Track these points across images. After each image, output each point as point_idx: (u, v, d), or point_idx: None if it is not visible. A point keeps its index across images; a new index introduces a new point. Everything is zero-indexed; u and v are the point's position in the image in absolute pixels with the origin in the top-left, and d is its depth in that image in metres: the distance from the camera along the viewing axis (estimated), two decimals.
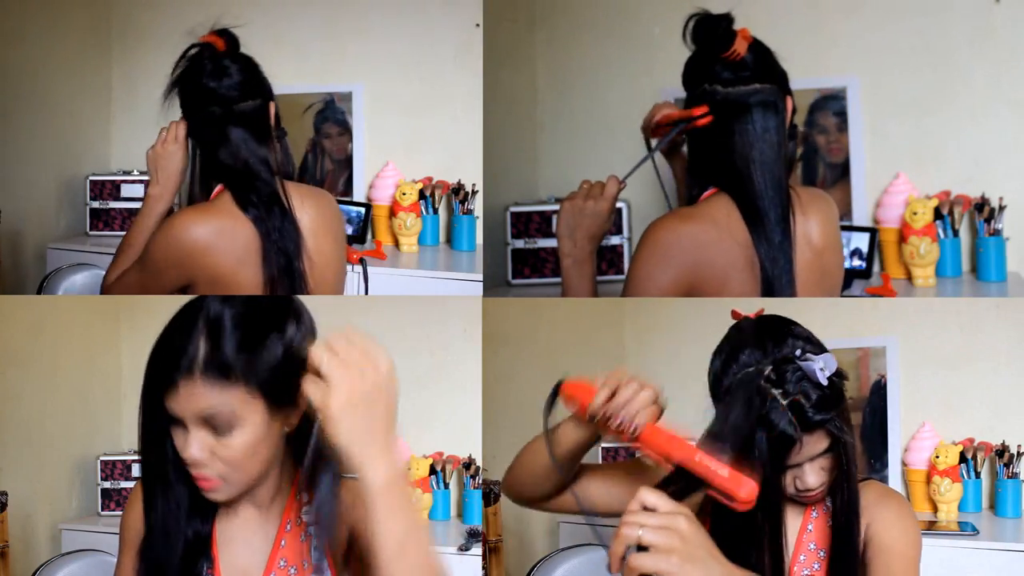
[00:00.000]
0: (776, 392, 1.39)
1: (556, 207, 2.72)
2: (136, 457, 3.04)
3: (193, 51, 1.84)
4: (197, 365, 1.27)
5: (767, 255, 1.69)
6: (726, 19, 1.74)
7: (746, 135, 1.72)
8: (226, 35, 1.86)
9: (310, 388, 1.15)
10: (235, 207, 1.81)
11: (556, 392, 1.49)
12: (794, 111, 1.78)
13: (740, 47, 1.72)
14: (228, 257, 1.79)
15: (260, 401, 1.30)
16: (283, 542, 1.42)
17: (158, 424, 1.32)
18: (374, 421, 1.14)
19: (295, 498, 1.43)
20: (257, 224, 1.80)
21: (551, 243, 2.68)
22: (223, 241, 1.78)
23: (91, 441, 3.08)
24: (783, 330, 1.47)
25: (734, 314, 1.52)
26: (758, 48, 1.76)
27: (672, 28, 1.77)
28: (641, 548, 1.18)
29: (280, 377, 1.30)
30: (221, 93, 1.81)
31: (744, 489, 1.24)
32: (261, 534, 1.42)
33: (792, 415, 1.38)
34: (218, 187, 1.84)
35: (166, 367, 1.29)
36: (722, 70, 1.74)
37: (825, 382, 1.40)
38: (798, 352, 1.42)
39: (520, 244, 2.75)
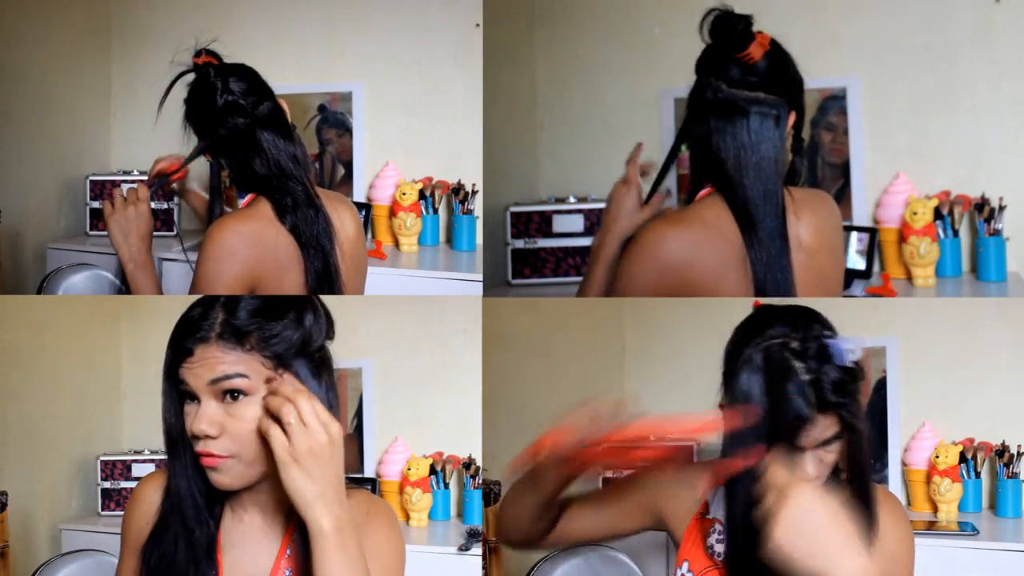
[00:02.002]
0: (799, 365, 1.40)
1: (556, 207, 2.72)
2: (135, 457, 3.04)
3: (190, 75, 1.83)
4: (213, 330, 1.32)
5: (758, 259, 1.69)
6: (745, 20, 1.72)
7: (740, 139, 1.71)
8: (213, 53, 1.84)
9: (272, 432, 1.25)
10: (273, 216, 1.81)
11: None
12: (800, 125, 1.78)
13: (755, 52, 1.71)
14: (271, 264, 1.79)
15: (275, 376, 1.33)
16: (288, 551, 1.41)
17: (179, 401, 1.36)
18: (325, 475, 1.25)
19: None
20: (295, 233, 1.80)
21: (551, 243, 2.70)
22: (267, 249, 1.78)
23: (91, 441, 3.08)
24: (810, 315, 1.48)
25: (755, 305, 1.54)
26: (776, 57, 1.74)
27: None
28: None
29: (298, 362, 1.34)
30: (242, 103, 1.80)
31: (710, 421, 1.30)
32: (266, 542, 1.41)
33: (810, 392, 1.39)
34: (249, 196, 1.84)
35: (184, 337, 1.33)
36: (731, 69, 1.72)
37: (850, 364, 1.41)
38: (826, 333, 1.43)
39: (520, 244, 2.75)
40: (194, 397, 1.32)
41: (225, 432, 1.31)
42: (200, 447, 1.32)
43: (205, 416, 1.31)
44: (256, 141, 1.80)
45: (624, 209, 1.86)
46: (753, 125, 1.71)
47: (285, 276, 1.80)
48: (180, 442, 1.37)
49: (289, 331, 1.34)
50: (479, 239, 2.84)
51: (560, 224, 2.70)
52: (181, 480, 1.38)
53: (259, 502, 1.41)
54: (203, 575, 1.38)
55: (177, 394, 1.35)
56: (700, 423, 1.34)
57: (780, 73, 1.74)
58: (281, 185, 1.82)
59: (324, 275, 1.84)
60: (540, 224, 2.73)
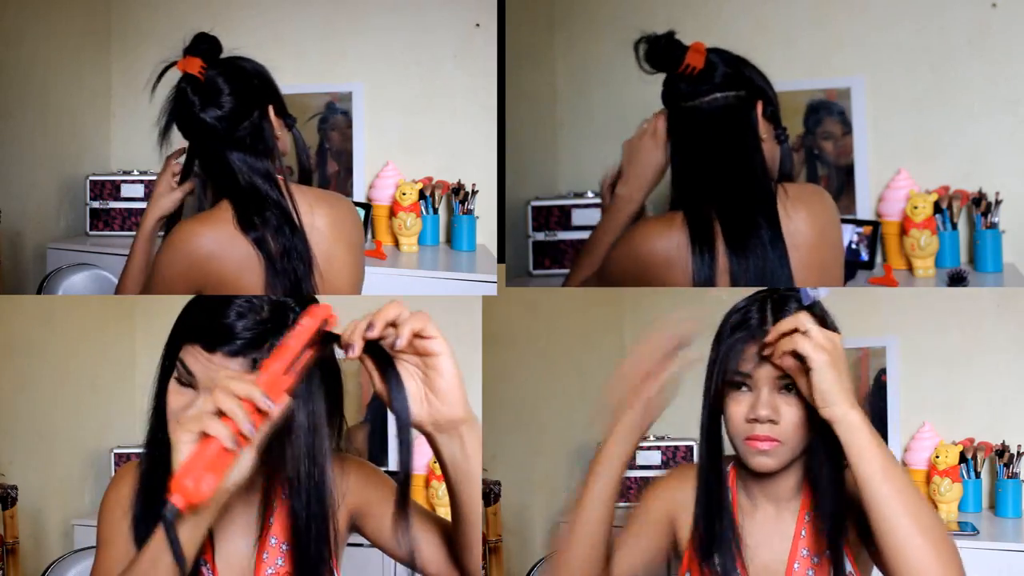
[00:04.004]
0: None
1: (575, 201, 2.78)
2: None
3: (171, 77, 1.79)
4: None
5: (743, 266, 1.72)
6: (666, 37, 1.76)
7: (716, 143, 1.74)
8: (203, 49, 1.79)
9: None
10: (231, 219, 1.76)
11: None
12: (776, 114, 1.79)
13: (694, 60, 1.74)
14: (229, 264, 1.76)
15: None
16: (271, 519, 1.42)
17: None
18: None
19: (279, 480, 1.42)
20: (259, 245, 1.76)
21: (570, 236, 2.76)
22: (223, 250, 1.75)
23: (104, 434, 3.05)
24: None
25: None
26: (722, 57, 1.76)
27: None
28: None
29: None
30: (213, 125, 1.76)
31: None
32: (246, 518, 1.42)
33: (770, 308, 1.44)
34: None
35: (210, 329, 1.33)
36: (682, 85, 1.76)
37: (808, 301, 1.43)
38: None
39: (541, 236, 2.80)
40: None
41: None
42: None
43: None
44: (226, 162, 1.78)
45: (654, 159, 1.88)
46: (721, 127, 1.74)
47: (243, 276, 1.76)
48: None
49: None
50: (480, 239, 2.86)
51: (579, 218, 2.76)
52: None
53: None
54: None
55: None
56: None
57: (732, 71, 1.76)
58: (249, 202, 1.78)
59: (296, 291, 1.79)
60: (560, 217, 2.79)
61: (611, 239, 1.90)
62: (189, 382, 1.32)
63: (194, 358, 1.31)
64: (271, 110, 1.82)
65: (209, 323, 1.32)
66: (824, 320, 1.45)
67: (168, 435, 1.34)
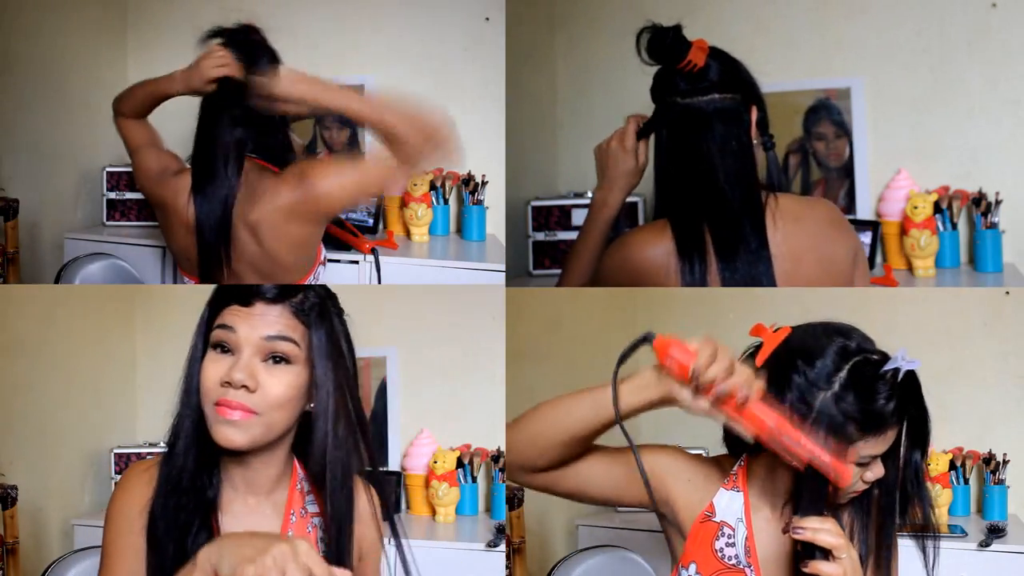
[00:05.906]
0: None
1: (575, 201, 2.77)
2: (150, 450, 2.97)
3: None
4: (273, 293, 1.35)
5: (729, 276, 1.72)
6: (674, 31, 1.74)
7: (708, 145, 1.72)
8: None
9: None
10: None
11: (638, 344, 1.35)
12: (764, 121, 1.78)
13: (696, 57, 1.72)
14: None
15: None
16: (289, 533, 1.41)
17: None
18: None
19: (296, 487, 1.43)
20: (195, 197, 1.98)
21: (570, 236, 2.73)
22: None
23: (104, 434, 3.04)
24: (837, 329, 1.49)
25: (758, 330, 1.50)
26: (721, 58, 1.75)
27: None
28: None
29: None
30: (230, 78, 1.99)
31: (844, 476, 1.33)
32: (265, 526, 1.41)
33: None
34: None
35: (242, 290, 1.35)
36: (679, 81, 1.73)
37: (904, 370, 1.46)
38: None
39: (540, 236, 2.79)
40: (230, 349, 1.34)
41: (253, 393, 1.32)
42: (228, 394, 1.31)
43: (244, 367, 1.32)
44: (219, 121, 2.00)
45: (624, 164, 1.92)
46: (717, 128, 1.72)
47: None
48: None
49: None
50: (489, 229, 2.88)
51: (578, 217, 2.73)
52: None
53: (250, 484, 1.40)
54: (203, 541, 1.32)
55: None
56: (832, 463, 1.33)
57: (730, 73, 1.75)
58: (205, 163, 1.98)
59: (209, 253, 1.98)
60: (559, 217, 2.78)
61: (594, 246, 1.94)
62: (225, 342, 1.33)
63: (233, 315, 1.33)
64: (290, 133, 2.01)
65: (239, 287, 1.36)
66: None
67: (196, 420, 1.34)
